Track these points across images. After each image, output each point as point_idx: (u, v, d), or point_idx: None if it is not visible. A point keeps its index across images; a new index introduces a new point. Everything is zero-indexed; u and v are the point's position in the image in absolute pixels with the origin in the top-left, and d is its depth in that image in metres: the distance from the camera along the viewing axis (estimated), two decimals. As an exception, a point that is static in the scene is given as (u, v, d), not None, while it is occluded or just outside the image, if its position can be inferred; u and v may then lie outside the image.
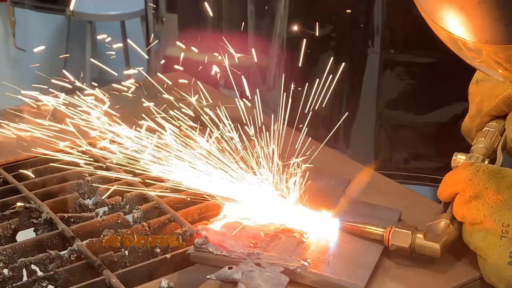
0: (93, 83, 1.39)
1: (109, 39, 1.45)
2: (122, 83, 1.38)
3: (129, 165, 1.22)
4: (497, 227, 1.03)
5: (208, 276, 1.02)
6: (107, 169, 1.33)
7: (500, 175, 1.06)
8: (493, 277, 1.04)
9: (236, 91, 1.41)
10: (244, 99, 1.34)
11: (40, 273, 1.08)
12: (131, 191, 1.26)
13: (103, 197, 1.27)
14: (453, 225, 1.08)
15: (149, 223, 1.18)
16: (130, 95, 1.37)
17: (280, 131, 1.23)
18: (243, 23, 2.23)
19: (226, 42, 1.36)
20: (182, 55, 1.46)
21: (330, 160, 1.41)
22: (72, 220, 1.21)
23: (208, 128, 1.24)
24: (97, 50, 4.23)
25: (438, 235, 1.07)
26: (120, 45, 1.45)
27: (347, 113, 2.05)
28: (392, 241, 1.08)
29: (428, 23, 0.94)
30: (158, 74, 1.43)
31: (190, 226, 1.17)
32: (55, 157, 1.28)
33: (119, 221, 1.20)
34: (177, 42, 1.47)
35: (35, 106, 1.36)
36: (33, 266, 1.08)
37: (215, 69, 1.40)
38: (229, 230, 1.10)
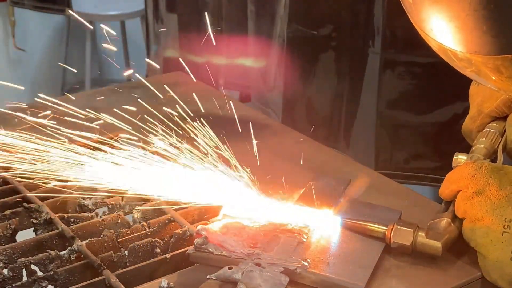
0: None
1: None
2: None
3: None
4: (499, 223, 1.03)
5: (208, 276, 1.02)
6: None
7: (502, 172, 1.07)
8: (495, 274, 1.04)
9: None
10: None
11: (40, 273, 1.08)
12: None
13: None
14: (454, 224, 1.08)
15: (149, 223, 1.18)
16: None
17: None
18: (243, 23, 2.23)
19: (226, 42, 1.36)
20: (182, 55, 1.46)
21: (330, 160, 1.41)
22: (72, 220, 1.21)
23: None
24: (97, 50, 4.23)
25: (439, 234, 1.07)
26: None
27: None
28: (394, 238, 1.08)
29: (419, 33, 0.95)
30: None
31: (190, 226, 1.17)
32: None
33: (119, 221, 1.20)
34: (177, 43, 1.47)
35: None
36: (33, 266, 1.08)
37: (215, 69, 1.39)
38: (229, 230, 1.10)
